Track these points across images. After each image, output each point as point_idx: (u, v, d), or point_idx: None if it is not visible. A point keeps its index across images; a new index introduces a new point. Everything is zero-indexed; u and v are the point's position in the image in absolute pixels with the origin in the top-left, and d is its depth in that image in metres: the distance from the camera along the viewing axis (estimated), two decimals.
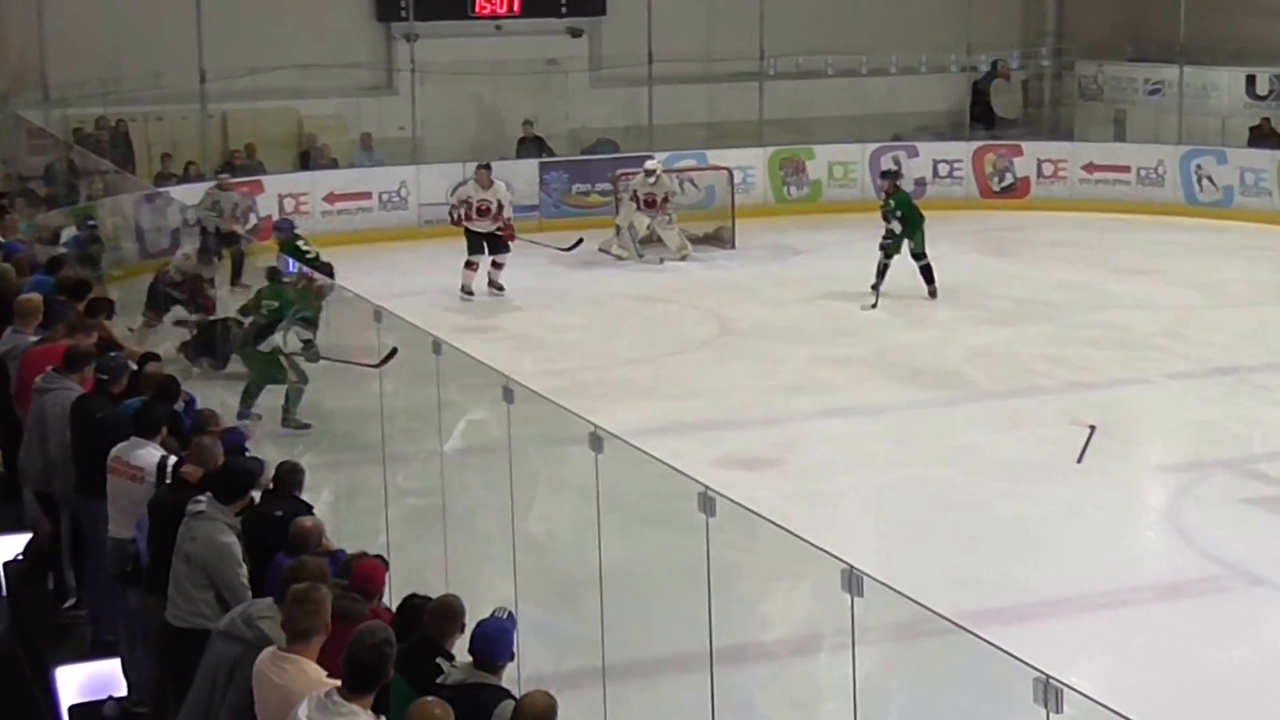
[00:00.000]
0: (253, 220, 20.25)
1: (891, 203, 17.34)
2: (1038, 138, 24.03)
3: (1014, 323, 16.23)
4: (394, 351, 10.88)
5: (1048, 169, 22.78)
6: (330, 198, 21.19)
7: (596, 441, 6.26)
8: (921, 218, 17.32)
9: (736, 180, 21.36)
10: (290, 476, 7.28)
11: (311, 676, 5.13)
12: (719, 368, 14.75)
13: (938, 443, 12.24)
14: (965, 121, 24.75)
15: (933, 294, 17.09)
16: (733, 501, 5.35)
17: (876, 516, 10.92)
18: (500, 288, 17.63)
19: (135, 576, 7.13)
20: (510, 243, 17.66)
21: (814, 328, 16.11)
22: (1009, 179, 22.98)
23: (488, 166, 18.41)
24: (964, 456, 11.90)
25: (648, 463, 6.37)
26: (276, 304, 12.23)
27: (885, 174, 18.81)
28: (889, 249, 17.06)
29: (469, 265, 17.59)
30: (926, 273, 17.18)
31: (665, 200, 19.66)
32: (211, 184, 18.60)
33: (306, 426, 12.06)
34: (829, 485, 11.43)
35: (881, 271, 16.95)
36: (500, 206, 17.71)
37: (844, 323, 16.29)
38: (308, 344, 12.14)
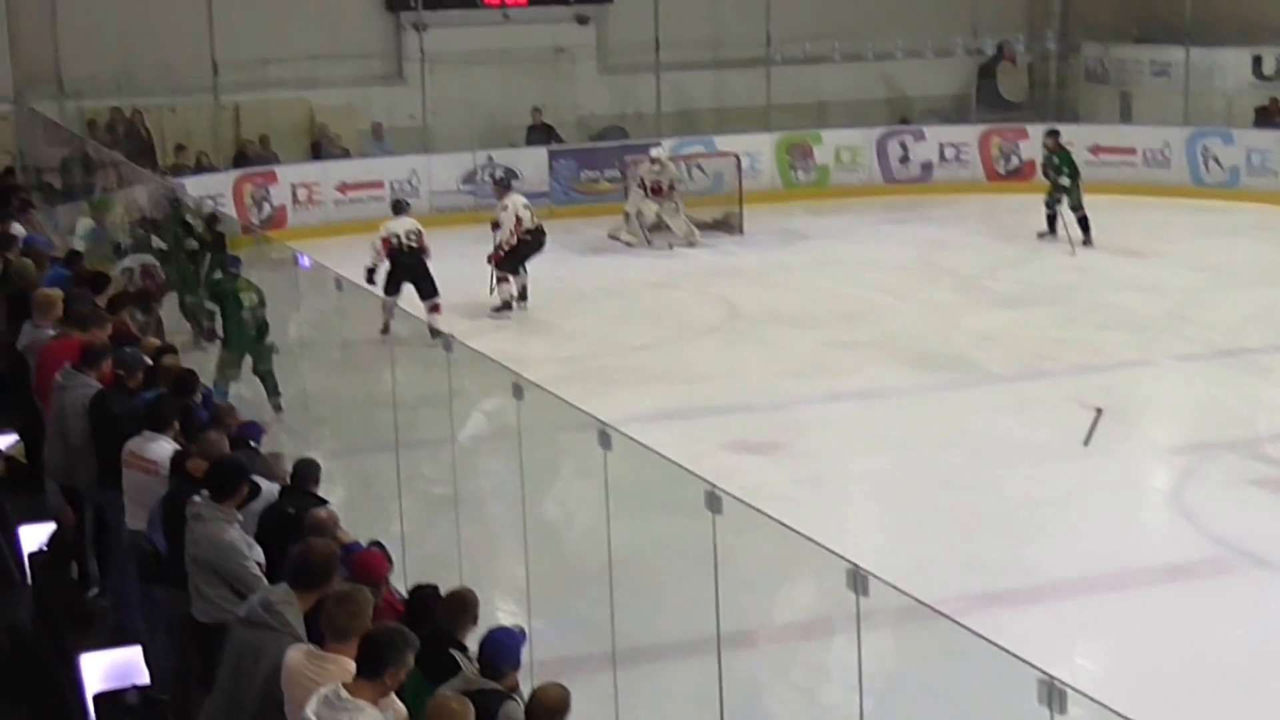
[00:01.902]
0: (266, 210, 20.33)
1: (1056, 159, 19.16)
2: (1043, 120, 23.97)
3: (1020, 305, 16.25)
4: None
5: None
6: (342, 187, 21.27)
7: (605, 439, 6.28)
8: (1078, 173, 19.12)
9: (744, 166, 21.37)
10: (307, 471, 7.33)
11: (352, 675, 5.14)
12: (728, 352, 14.79)
13: (945, 426, 12.27)
14: (971, 104, 24.73)
15: (1087, 242, 18.63)
16: (739, 500, 5.37)
17: (885, 499, 10.95)
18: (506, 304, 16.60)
19: (158, 572, 7.18)
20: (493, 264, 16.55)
21: (822, 312, 16.13)
22: (1015, 161, 22.96)
23: (499, 181, 17.83)
24: (971, 439, 11.93)
25: (651, 454, 6.38)
26: (255, 296, 12.33)
27: (1049, 133, 19.94)
28: (1053, 201, 19.05)
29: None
30: (1084, 224, 18.69)
31: (671, 187, 19.72)
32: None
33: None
34: (837, 468, 11.46)
35: (1050, 221, 19.03)
36: (495, 226, 16.59)
37: (851, 307, 16.31)
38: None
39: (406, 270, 15.29)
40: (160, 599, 7.29)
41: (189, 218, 15.01)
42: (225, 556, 6.50)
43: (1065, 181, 19.03)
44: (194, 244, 14.56)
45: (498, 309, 16.48)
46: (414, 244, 15.38)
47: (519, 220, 16.52)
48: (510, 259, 16.56)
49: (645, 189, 19.64)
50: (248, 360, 12.43)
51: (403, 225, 15.58)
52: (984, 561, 9.51)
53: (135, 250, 14.54)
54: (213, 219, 15.14)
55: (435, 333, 13.70)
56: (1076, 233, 18.85)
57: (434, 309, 15.10)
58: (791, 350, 14.72)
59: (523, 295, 16.74)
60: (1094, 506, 10.48)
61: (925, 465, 11.36)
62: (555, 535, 8.75)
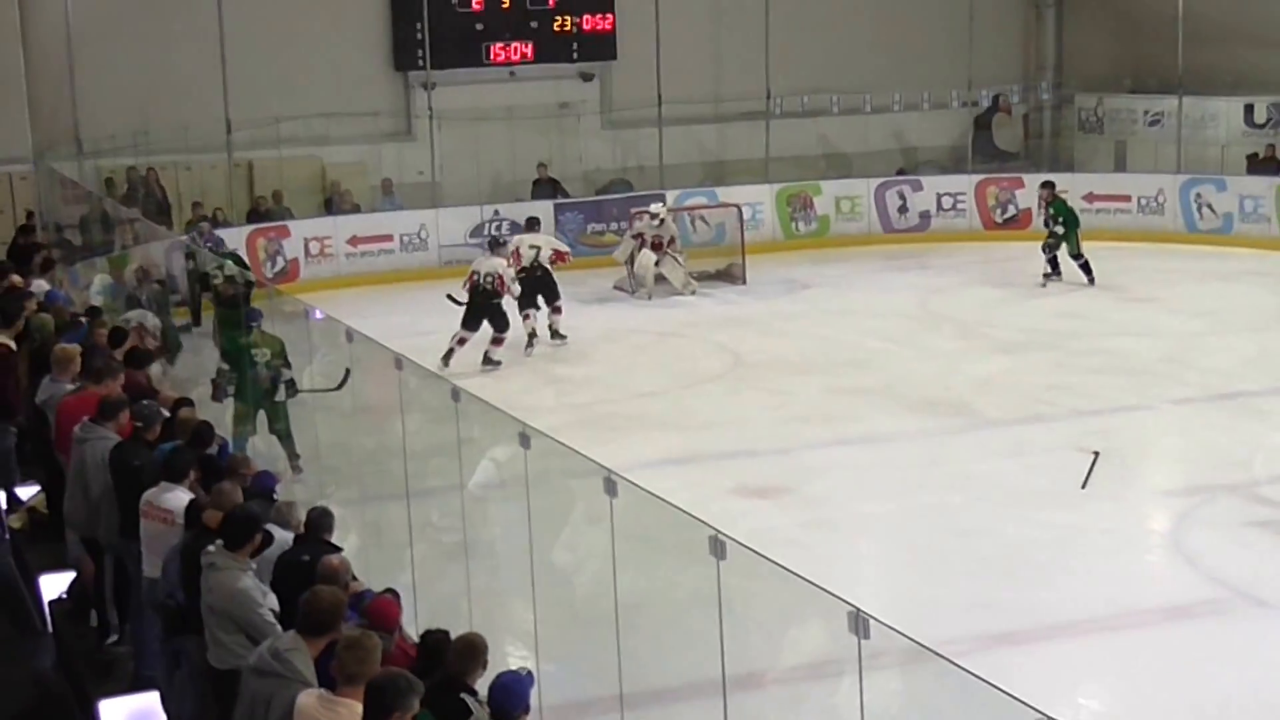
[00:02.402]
0: (280, 263, 20.40)
1: (1050, 210, 19.52)
2: (1039, 169, 24.07)
3: (1018, 352, 16.26)
4: (348, 373, 10.97)
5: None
6: (353, 240, 21.34)
7: (611, 486, 6.29)
8: (1077, 221, 19.54)
9: (746, 217, 21.45)
10: (321, 520, 7.34)
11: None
12: (733, 399, 14.80)
13: (946, 471, 12.26)
14: (968, 155, 24.83)
15: (1090, 282, 19.17)
16: (743, 546, 5.38)
17: (888, 542, 10.92)
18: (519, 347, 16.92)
19: (178, 623, 7.18)
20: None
21: (824, 359, 16.15)
22: (1011, 210, 23.03)
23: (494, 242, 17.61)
24: (973, 483, 11.91)
25: (658, 501, 6.39)
26: (269, 351, 12.24)
27: (1044, 184, 20.27)
28: (1051, 247, 19.40)
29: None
30: (1085, 269, 19.20)
31: (671, 242, 19.79)
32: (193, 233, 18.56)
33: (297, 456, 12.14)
34: (841, 512, 11.44)
35: (1051, 263, 19.42)
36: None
37: (853, 354, 16.33)
38: (289, 383, 12.21)
39: (482, 310, 16.04)
40: (178, 646, 7.29)
41: (213, 270, 15.15)
42: (239, 604, 6.51)
43: (1060, 230, 19.31)
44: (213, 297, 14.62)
45: (531, 336, 16.85)
46: (489, 286, 16.03)
47: (516, 254, 16.92)
48: (523, 296, 16.79)
49: (643, 242, 19.69)
50: (263, 414, 12.38)
51: (486, 265, 16.23)
52: (988, 603, 9.49)
53: (149, 305, 14.60)
54: (240, 272, 15.25)
55: (489, 361, 15.77)
56: (1080, 276, 19.18)
57: (496, 342, 16.11)
58: (795, 397, 14.73)
59: (531, 337, 17.01)
60: (1094, 549, 10.46)
61: (928, 509, 11.34)
62: (563, 581, 8.75)
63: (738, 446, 13.11)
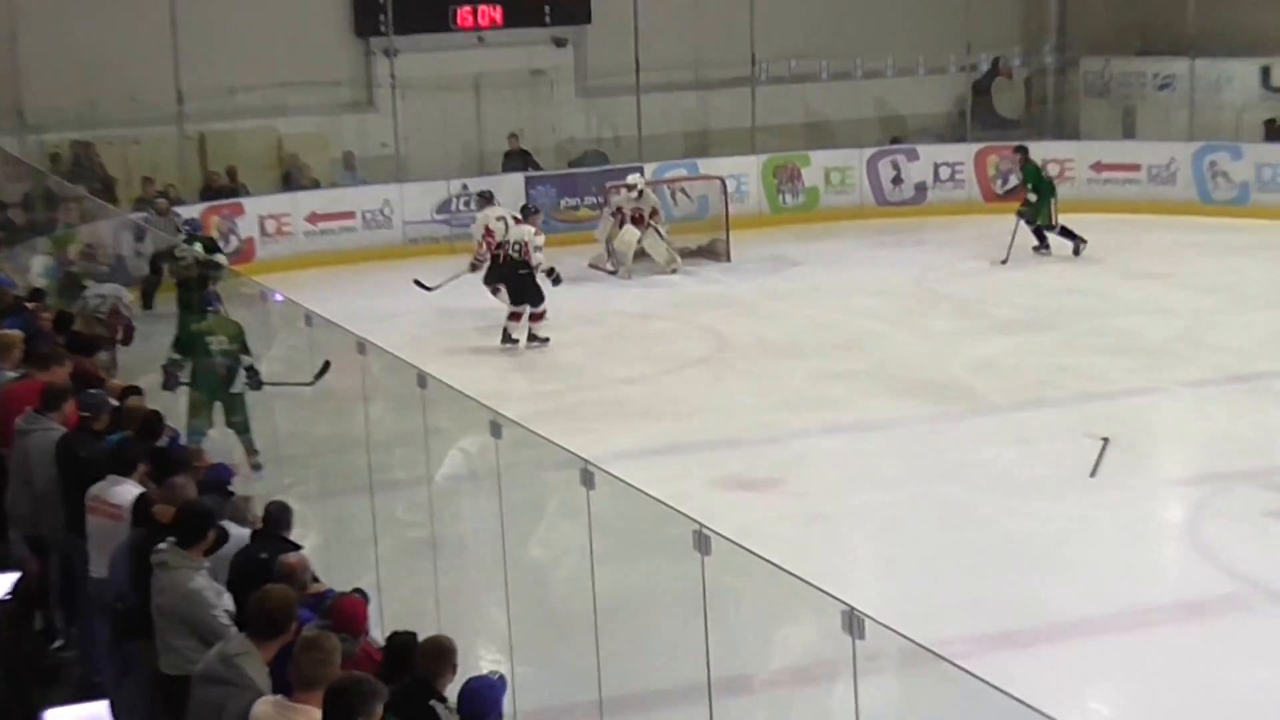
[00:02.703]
0: (233, 243, 20.32)
1: (1023, 176, 19.73)
2: (1042, 137, 24.07)
3: (1021, 331, 16.27)
4: (326, 365, 10.94)
5: (1054, 170, 22.72)
6: (312, 218, 21.27)
7: (588, 477, 6.28)
8: (1052, 190, 19.69)
9: (730, 190, 21.42)
10: (279, 516, 7.34)
11: None
12: (716, 385, 14.80)
13: (945, 459, 12.27)
14: (966, 122, 24.84)
15: (1076, 251, 19.48)
16: (729, 540, 5.37)
17: (883, 537, 10.93)
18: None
19: (128, 627, 7.15)
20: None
21: (813, 342, 16.16)
22: (1012, 181, 22.97)
23: (480, 195, 18.37)
24: (972, 473, 11.93)
25: (638, 494, 6.39)
26: (225, 338, 12.13)
27: (1017, 148, 20.66)
28: (1026, 215, 19.57)
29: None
30: (1066, 233, 19.48)
31: (653, 214, 19.76)
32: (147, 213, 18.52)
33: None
34: (833, 505, 11.45)
35: (1037, 234, 19.61)
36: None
37: (844, 336, 16.33)
38: (251, 370, 12.12)
39: (513, 282, 16.33)
40: (128, 651, 7.27)
41: (179, 250, 15.19)
42: (192, 606, 6.49)
43: (1033, 197, 19.58)
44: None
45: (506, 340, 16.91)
46: (516, 255, 16.33)
47: (487, 231, 17.15)
48: (492, 272, 16.98)
49: (623, 218, 19.68)
50: (220, 406, 12.31)
51: (514, 232, 16.50)
52: (988, 601, 9.50)
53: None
54: (209, 248, 15.29)
55: (537, 338, 16.10)
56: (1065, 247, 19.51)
57: (536, 318, 16.25)
58: (783, 382, 14.73)
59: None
60: (1103, 541, 10.48)
61: (925, 501, 11.36)
62: (538, 579, 8.75)
63: (722, 435, 13.11)
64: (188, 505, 6.96)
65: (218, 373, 12.02)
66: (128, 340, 13.21)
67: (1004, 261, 19.32)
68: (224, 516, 7.25)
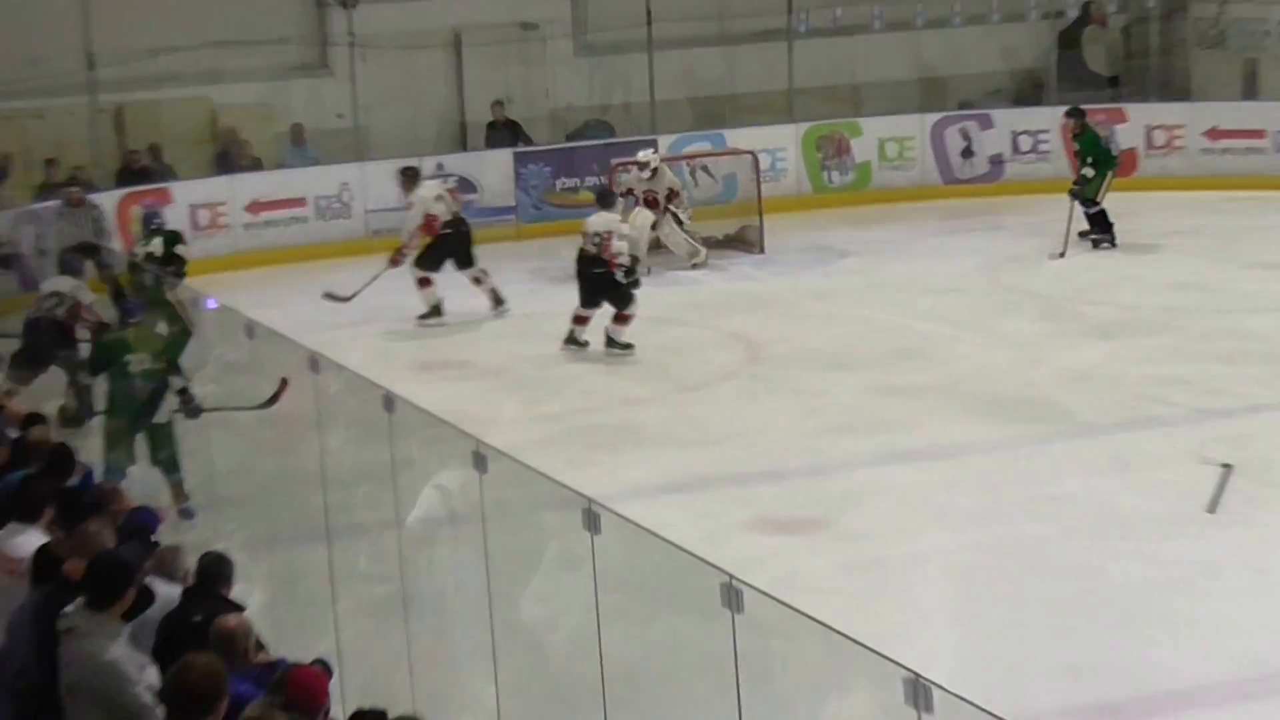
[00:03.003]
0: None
1: (1078, 146, 19.69)
2: (1145, 98, 24.05)
3: (1121, 335, 16.26)
4: (284, 384, 10.93)
5: (1159, 137, 22.80)
6: (254, 206, 21.28)
7: (592, 519, 6.27)
8: (1113, 162, 19.89)
9: (763, 166, 21.44)
10: (215, 569, 7.32)
11: None
12: (748, 405, 14.79)
13: (1030, 492, 12.24)
14: (1050, 81, 24.79)
15: (1104, 243, 19.45)
16: (765, 594, 5.35)
17: (955, 589, 10.89)
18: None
19: (31, 708, 7.12)
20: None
21: (867, 351, 16.14)
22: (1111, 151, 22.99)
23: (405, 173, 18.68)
24: (1064, 509, 11.89)
25: (654, 539, 6.38)
26: (147, 355, 12.08)
27: (1070, 111, 20.54)
28: (1078, 195, 19.50)
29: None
30: (1099, 222, 19.49)
31: (670, 198, 19.70)
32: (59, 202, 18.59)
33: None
34: (893, 550, 11.42)
35: (1095, 220, 19.52)
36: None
37: (905, 343, 16.32)
38: (183, 394, 12.09)
39: (590, 281, 16.44)
40: None
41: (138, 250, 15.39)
42: (108, 681, 6.46)
43: (1089, 172, 19.54)
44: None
45: (425, 315, 17.60)
46: (594, 249, 16.34)
47: (430, 216, 17.64)
48: (429, 257, 17.52)
49: (636, 202, 19.67)
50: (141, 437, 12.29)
51: (596, 222, 16.60)
52: (1087, 665, 9.47)
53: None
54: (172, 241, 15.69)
55: (616, 344, 16.22)
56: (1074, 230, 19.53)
57: (621, 320, 16.29)
58: (830, 400, 14.73)
59: (497, 299, 17.83)
60: (1225, 592, 10.45)
61: (1006, 544, 11.33)
62: (533, 643, 8.75)
63: (756, 466, 13.10)
64: (102, 558, 6.93)
65: (139, 397, 12.00)
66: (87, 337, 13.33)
67: (1060, 255, 19.29)
68: (148, 571, 7.23)
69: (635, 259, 16.77)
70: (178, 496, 12.02)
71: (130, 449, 12.07)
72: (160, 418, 12.04)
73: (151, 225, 17.14)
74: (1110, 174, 19.63)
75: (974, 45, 25.23)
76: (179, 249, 16.40)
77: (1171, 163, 22.74)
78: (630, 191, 19.81)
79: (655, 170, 19.74)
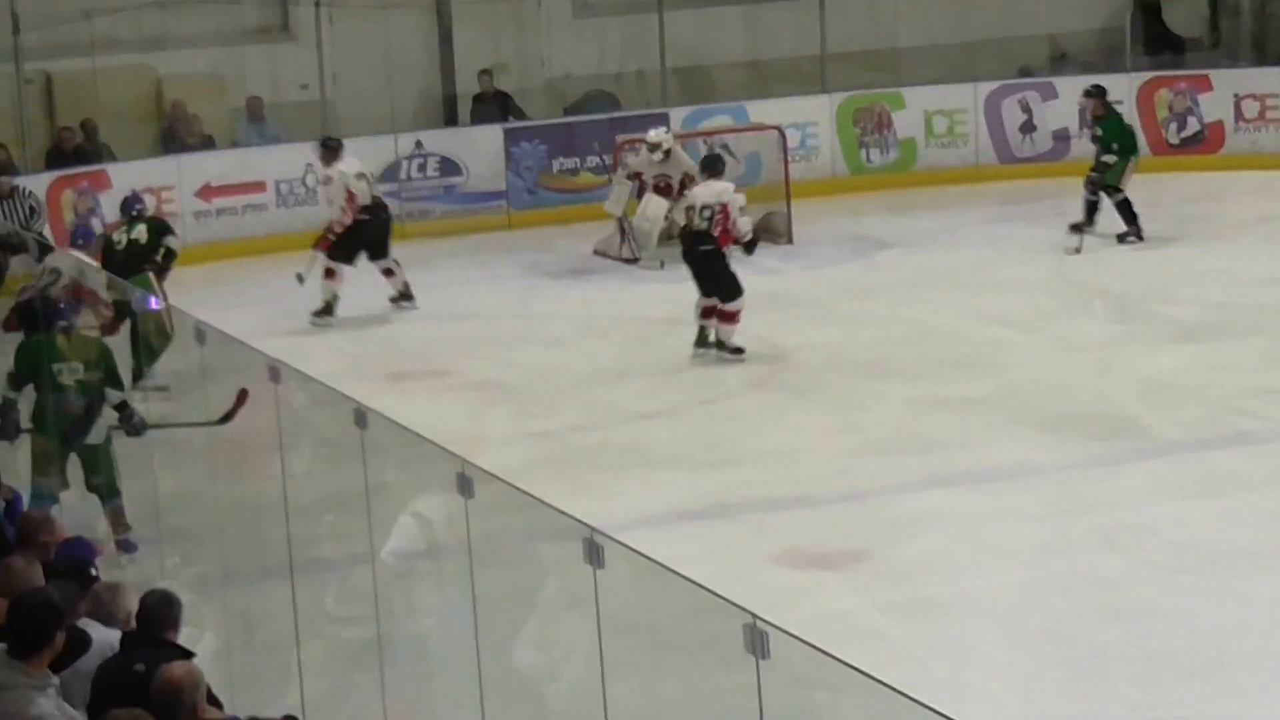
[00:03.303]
0: (95, 227, 20.37)
1: (1098, 130, 19.65)
2: (1235, 63, 24.04)
3: (1207, 338, 16.27)
4: (242, 397, 10.94)
5: (1250, 109, 22.80)
6: (205, 191, 21.30)
7: (596, 552, 6.27)
8: (1135, 146, 19.94)
9: (792, 144, 21.51)
10: (160, 612, 7.30)
11: None
12: (775, 420, 14.80)
13: (1102, 520, 12.24)
14: (1125, 44, 24.79)
15: (1131, 236, 19.55)
16: (796, 638, 5.35)
17: (1015, 634, 10.90)
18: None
19: None
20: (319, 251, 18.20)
21: (912, 357, 16.16)
22: (1193, 125, 23.02)
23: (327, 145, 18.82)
24: (1141, 540, 11.89)
25: (667, 574, 6.38)
26: (80, 365, 12.11)
27: (1089, 91, 20.55)
28: (1099, 183, 19.54)
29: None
30: (1124, 210, 19.51)
31: (684, 183, 19.68)
32: None
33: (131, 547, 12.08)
34: (944, 588, 11.41)
35: (1090, 210, 19.53)
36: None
37: (957, 348, 16.34)
38: (123, 409, 12.10)
39: (698, 263, 16.51)
40: None
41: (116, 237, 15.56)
42: None
43: (1110, 159, 19.50)
44: None
45: (319, 312, 17.80)
46: (704, 225, 16.35)
47: (350, 195, 17.84)
48: (342, 246, 17.74)
49: (645, 187, 19.66)
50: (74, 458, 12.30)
51: (704, 194, 16.60)
52: (1167, 719, 9.44)
53: None
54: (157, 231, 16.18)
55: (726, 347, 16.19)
56: (1117, 227, 19.63)
57: (728, 318, 16.29)
58: (870, 415, 14.75)
59: (406, 294, 18.16)
60: None
61: (1076, 581, 11.31)
62: (528, 694, 8.75)
63: (785, 491, 13.10)
64: (27, 598, 6.93)
65: (70, 413, 12.02)
66: (113, 328, 13.34)
67: (1076, 250, 19.27)
68: (82, 613, 7.23)
69: (757, 235, 16.98)
70: (117, 526, 12.03)
71: (62, 472, 12.08)
72: (95, 437, 12.05)
73: (134, 210, 17.21)
74: (1133, 161, 19.62)
75: (1036, 3, 25.24)
76: (169, 240, 16.39)
77: (1264, 138, 22.75)
78: (638, 175, 19.83)
79: (668, 152, 19.72)
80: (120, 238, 16.20)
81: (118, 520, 12.06)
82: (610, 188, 20.49)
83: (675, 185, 19.66)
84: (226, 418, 11.32)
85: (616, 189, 20.22)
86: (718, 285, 16.16)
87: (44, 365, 12.14)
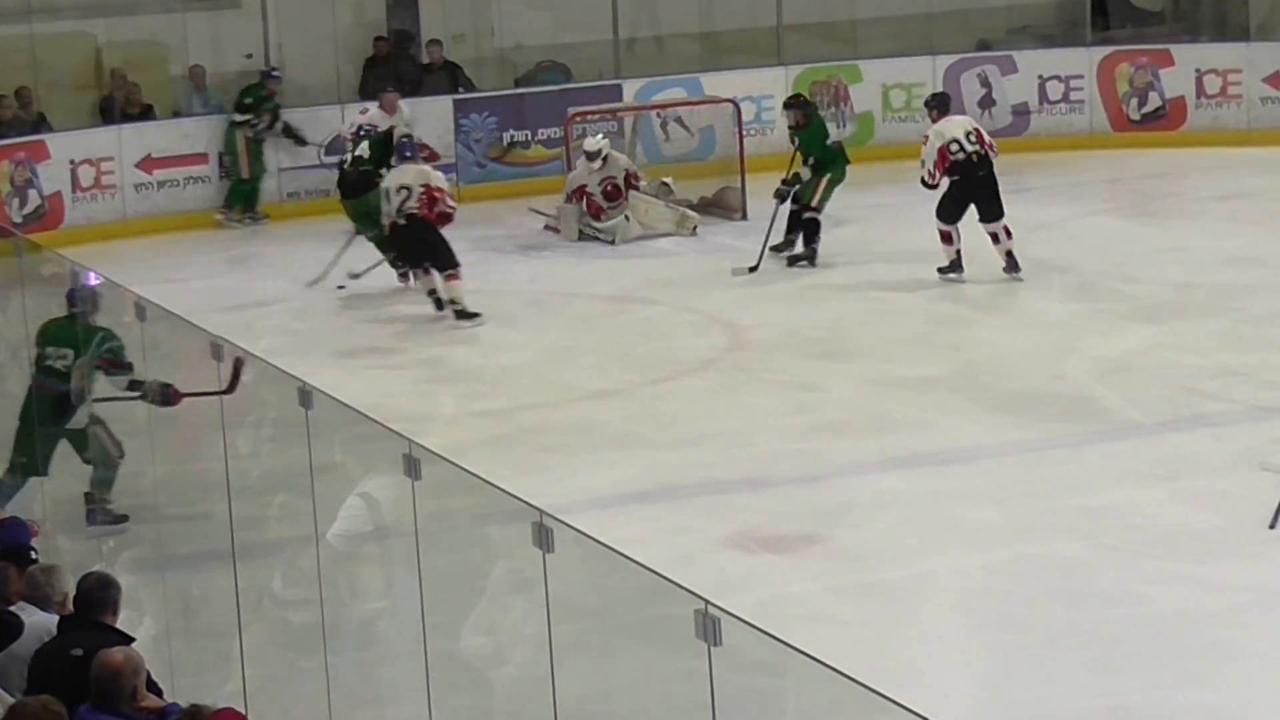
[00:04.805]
0: (32, 200, 20.29)
1: (799, 140, 18.69)
2: (1196, 37, 24.09)
3: (1168, 318, 16.31)
4: (239, 365, 10.96)
5: (1212, 84, 22.83)
6: (147, 163, 21.21)
7: (545, 535, 6.29)
8: (842, 160, 18.92)
9: (746, 117, 21.48)
10: (96, 594, 7.30)
11: None
12: (729, 400, 14.81)
13: (1060, 504, 12.23)
14: (1085, 18, 24.83)
15: (796, 260, 18.47)
16: (748, 624, 5.38)
17: (972, 618, 10.94)
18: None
19: None
20: None
21: (869, 336, 16.19)
22: (1154, 101, 23.07)
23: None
24: (1101, 523, 11.88)
25: (617, 557, 6.40)
26: (69, 351, 12.13)
27: (790, 102, 19.74)
28: (785, 195, 18.59)
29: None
30: (809, 228, 18.52)
31: (628, 179, 19.59)
32: None
33: (123, 519, 12.06)
34: (899, 573, 11.42)
35: (796, 223, 18.65)
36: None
37: (913, 326, 16.38)
38: (135, 385, 12.12)
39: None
40: None
41: None
42: None
43: (805, 172, 18.52)
44: None
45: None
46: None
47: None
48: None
49: (593, 202, 19.51)
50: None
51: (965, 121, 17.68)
52: (1123, 709, 9.51)
53: None
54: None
55: None
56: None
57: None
58: (824, 394, 14.77)
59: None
60: None
61: (1033, 564, 11.34)
62: (476, 680, 8.76)
63: (737, 472, 13.11)
64: None
65: (49, 397, 12.08)
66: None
67: (753, 269, 18.21)
68: (17, 597, 7.22)
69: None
70: (92, 498, 12.08)
71: (37, 459, 12.08)
72: (77, 422, 12.05)
73: (362, 131, 18.47)
74: (830, 179, 18.64)
75: None
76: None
77: (1226, 114, 22.78)
78: (583, 190, 19.63)
79: (606, 158, 19.64)
80: (348, 155, 17.63)
81: (99, 492, 12.12)
82: (559, 219, 20.16)
83: (622, 185, 19.61)
84: (230, 388, 11.31)
85: (565, 219, 19.91)
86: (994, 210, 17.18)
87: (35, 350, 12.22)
